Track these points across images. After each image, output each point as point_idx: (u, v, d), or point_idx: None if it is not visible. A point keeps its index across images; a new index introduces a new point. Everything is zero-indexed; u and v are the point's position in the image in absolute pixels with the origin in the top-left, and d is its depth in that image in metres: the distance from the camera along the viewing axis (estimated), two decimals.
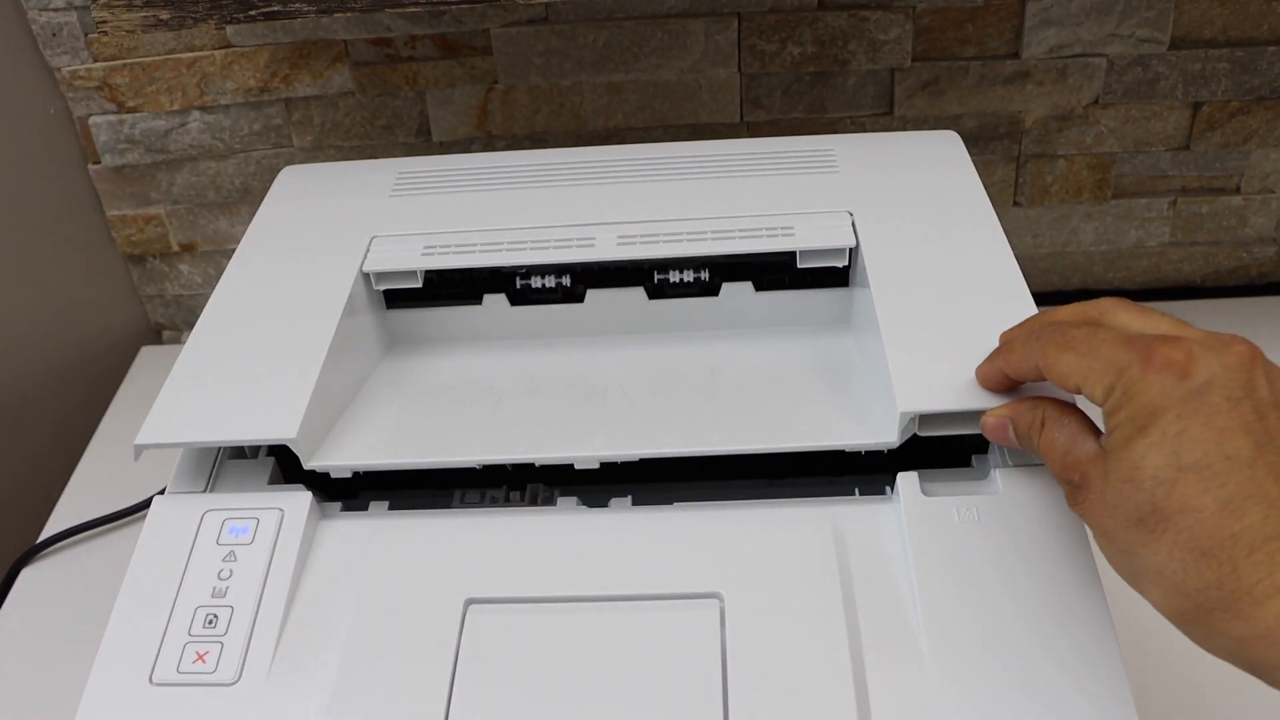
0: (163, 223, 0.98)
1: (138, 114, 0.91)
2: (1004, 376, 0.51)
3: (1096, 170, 0.94)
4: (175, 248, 0.99)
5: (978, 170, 0.69)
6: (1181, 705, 0.69)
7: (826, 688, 0.46)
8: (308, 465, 0.56)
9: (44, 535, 0.86)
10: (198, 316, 0.63)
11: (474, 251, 0.66)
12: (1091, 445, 0.45)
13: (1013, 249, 0.63)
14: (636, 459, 0.56)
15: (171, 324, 1.05)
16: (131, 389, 1.01)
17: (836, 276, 0.66)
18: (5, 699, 0.76)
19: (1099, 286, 1.01)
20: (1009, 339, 0.52)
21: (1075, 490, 0.46)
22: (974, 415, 0.52)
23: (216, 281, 0.66)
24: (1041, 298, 0.57)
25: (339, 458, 0.57)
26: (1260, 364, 0.43)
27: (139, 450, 0.56)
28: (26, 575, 0.85)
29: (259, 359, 0.60)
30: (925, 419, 0.54)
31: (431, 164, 0.74)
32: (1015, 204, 0.96)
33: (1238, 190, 0.95)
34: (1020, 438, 0.50)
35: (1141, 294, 1.01)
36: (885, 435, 0.55)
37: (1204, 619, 0.40)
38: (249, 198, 0.95)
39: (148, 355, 1.05)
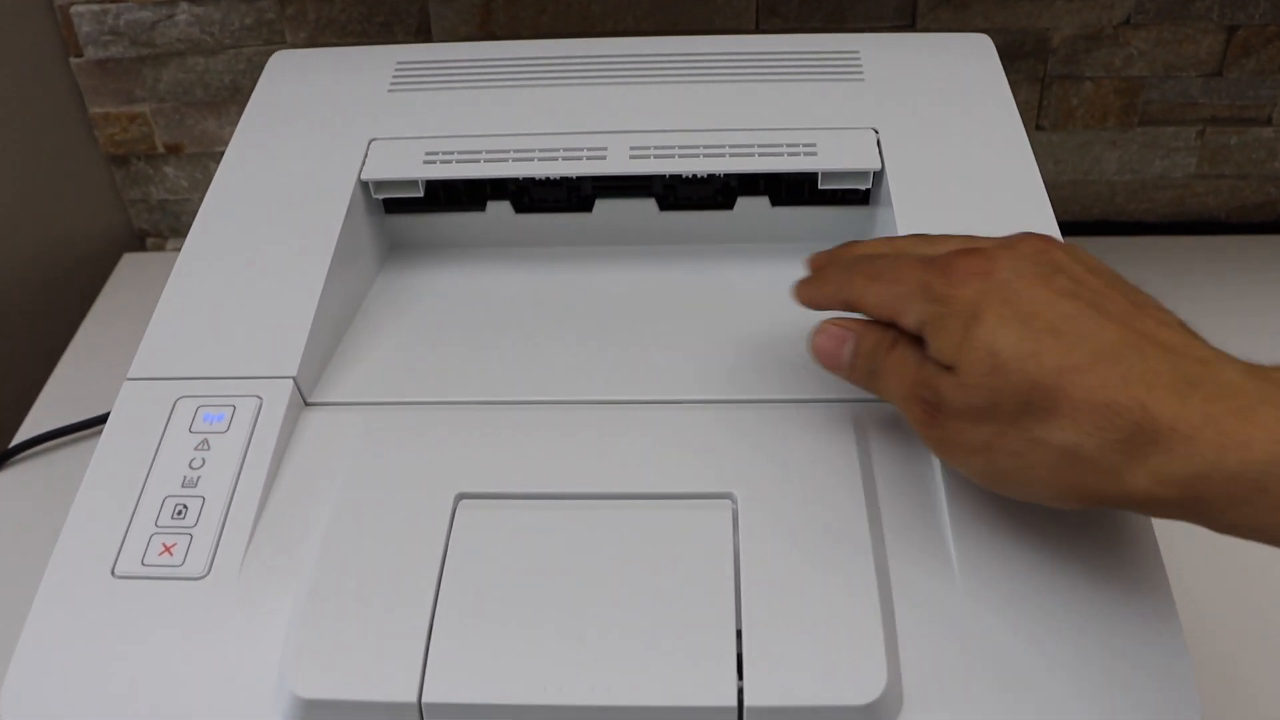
0: (148, 121, 0.93)
1: (122, 3, 0.87)
2: (812, 304, 0.49)
3: (1124, 95, 0.90)
4: (160, 149, 0.95)
5: None
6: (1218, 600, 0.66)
7: (849, 600, 0.43)
8: (310, 400, 0.53)
9: (16, 441, 0.83)
10: (183, 223, 0.60)
11: (478, 160, 0.62)
12: (934, 364, 0.43)
13: None
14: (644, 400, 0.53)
15: (155, 230, 1.01)
16: (112, 296, 0.97)
17: (858, 195, 0.63)
18: None
19: (1120, 218, 0.98)
20: (818, 267, 0.50)
21: (931, 410, 0.42)
22: None
23: (203, 186, 0.62)
24: (1063, 227, 0.54)
25: (342, 394, 0.54)
26: (1056, 245, 0.44)
27: (131, 389, 0.53)
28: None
29: (254, 281, 0.57)
30: None
31: (432, 52, 0.70)
32: (1038, 128, 0.92)
33: (1269, 121, 0.92)
34: (861, 356, 0.46)
35: (1164, 227, 0.98)
36: None
37: (1140, 468, 0.38)
38: (239, 97, 0.91)
39: (130, 262, 1.00)
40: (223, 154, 0.64)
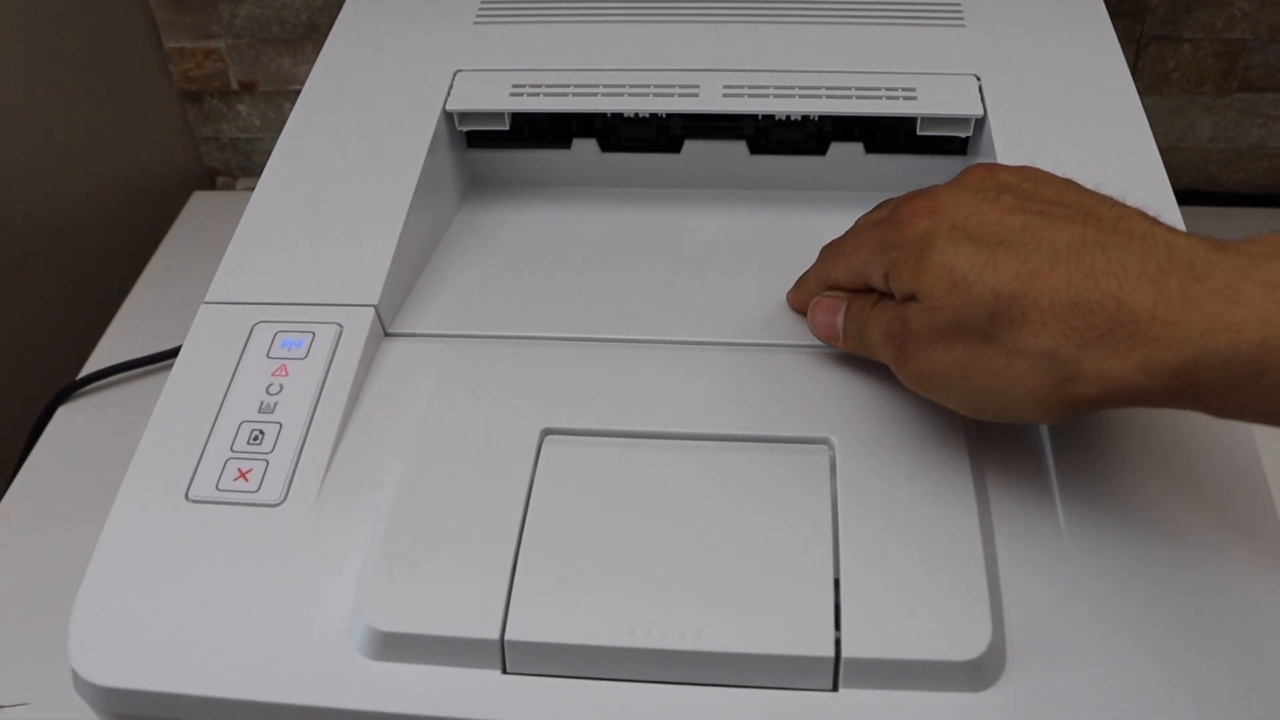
0: (222, 58, 0.92)
1: None
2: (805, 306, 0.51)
3: (1223, 58, 0.87)
4: (235, 86, 0.94)
5: None
6: None
7: (952, 551, 0.41)
8: (390, 330, 0.52)
9: (83, 373, 0.83)
10: (254, 162, 0.58)
11: (566, 94, 0.61)
12: (901, 302, 0.43)
13: None
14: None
15: (226, 169, 1.00)
16: (181, 233, 0.97)
17: (956, 145, 0.61)
18: (32, 535, 0.74)
19: (1211, 188, 0.95)
20: (804, 277, 0.52)
21: (901, 343, 0.42)
22: None
23: (276, 125, 0.61)
24: None
25: (422, 325, 0.52)
26: (1001, 169, 0.43)
27: (209, 313, 0.52)
28: (63, 413, 0.82)
29: (336, 207, 0.55)
30: None
31: None
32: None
33: None
34: (850, 321, 0.47)
35: (1258, 199, 0.94)
36: None
37: (1125, 362, 0.36)
38: (315, 35, 0.90)
39: (200, 200, 1.00)
40: (297, 93, 0.63)
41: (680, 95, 0.60)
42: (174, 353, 0.81)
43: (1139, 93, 0.89)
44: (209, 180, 1.01)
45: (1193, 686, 0.39)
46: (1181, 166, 0.94)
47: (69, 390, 0.82)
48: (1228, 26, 0.86)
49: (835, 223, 0.59)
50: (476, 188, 0.64)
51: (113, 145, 0.96)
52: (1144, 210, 0.40)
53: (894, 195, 0.60)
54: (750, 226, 0.60)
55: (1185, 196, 0.94)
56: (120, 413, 0.81)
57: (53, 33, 0.89)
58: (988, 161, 0.44)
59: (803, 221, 0.60)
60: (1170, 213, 0.54)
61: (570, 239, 0.59)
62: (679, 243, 0.58)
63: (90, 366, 0.84)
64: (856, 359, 0.48)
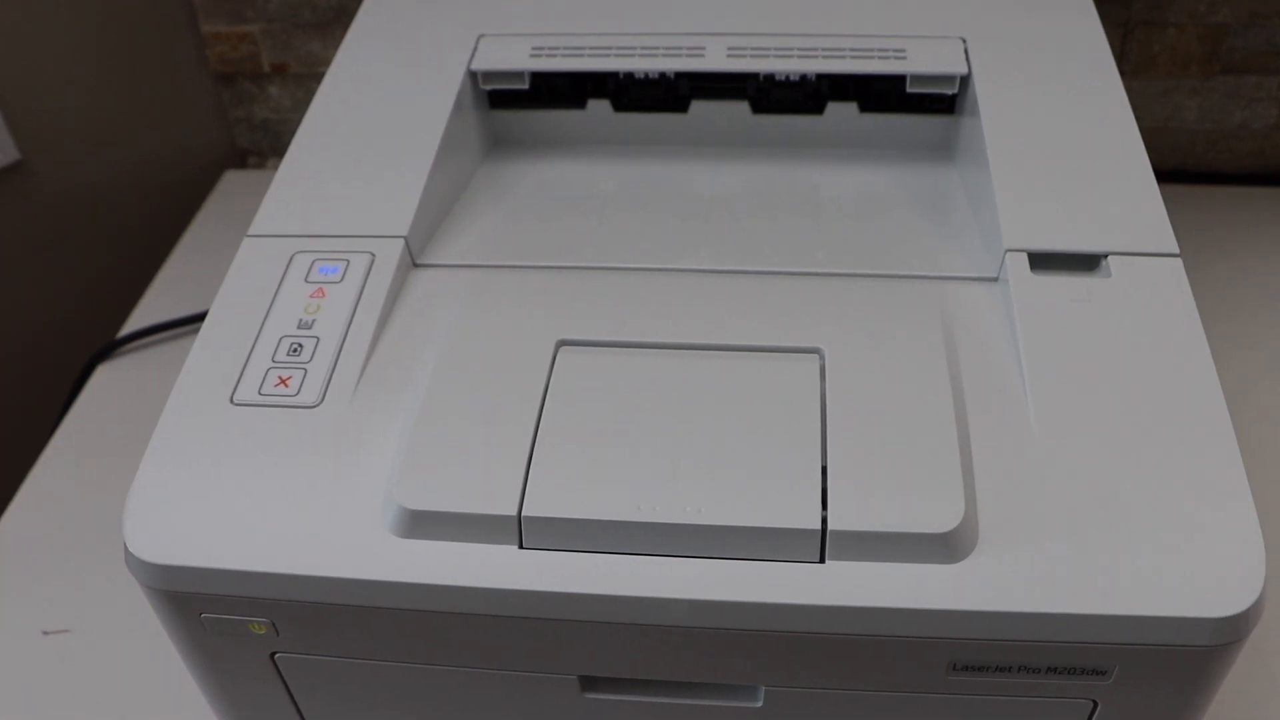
0: (255, 41, 0.97)
1: None
2: None
3: (1207, 42, 0.91)
4: (266, 69, 0.99)
5: None
6: None
7: (929, 442, 0.45)
8: (418, 261, 0.56)
9: (121, 334, 0.87)
10: (283, 143, 0.63)
11: (582, 55, 0.65)
12: None
13: None
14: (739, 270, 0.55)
15: (257, 149, 1.05)
16: (213, 210, 1.02)
17: (944, 104, 0.65)
18: (67, 489, 0.78)
19: (1198, 168, 0.99)
20: None
21: None
22: (1082, 257, 0.52)
23: (305, 106, 0.65)
24: None
25: (447, 257, 0.57)
26: None
27: (251, 244, 0.56)
28: (102, 370, 0.86)
29: (368, 154, 0.60)
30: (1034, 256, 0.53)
31: None
32: (1119, 73, 0.93)
33: None
34: None
35: (1243, 178, 0.98)
36: (988, 269, 0.54)
37: None
38: (344, 18, 0.94)
39: (231, 179, 1.05)
40: (324, 75, 0.67)
41: (688, 56, 0.64)
42: (206, 316, 0.87)
43: (1126, 75, 0.93)
44: (240, 160, 1.06)
45: (1149, 567, 0.42)
46: (1169, 147, 0.98)
47: (108, 349, 0.86)
48: (1210, 11, 0.90)
49: (831, 178, 0.64)
50: (499, 146, 0.68)
51: (150, 125, 1.00)
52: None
53: (886, 153, 0.65)
54: (752, 179, 0.64)
55: (1173, 176, 0.99)
56: (155, 370, 0.86)
57: (96, 18, 0.94)
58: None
59: (801, 175, 0.64)
60: (1139, 160, 0.57)
61: (585, 188, 0.63)
62: (685, 192, 0.62)
63: (127, 330, 0.88)
64: (848, 284, 0.52)
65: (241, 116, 1.02)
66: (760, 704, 0.47)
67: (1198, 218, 0.95)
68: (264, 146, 1.04)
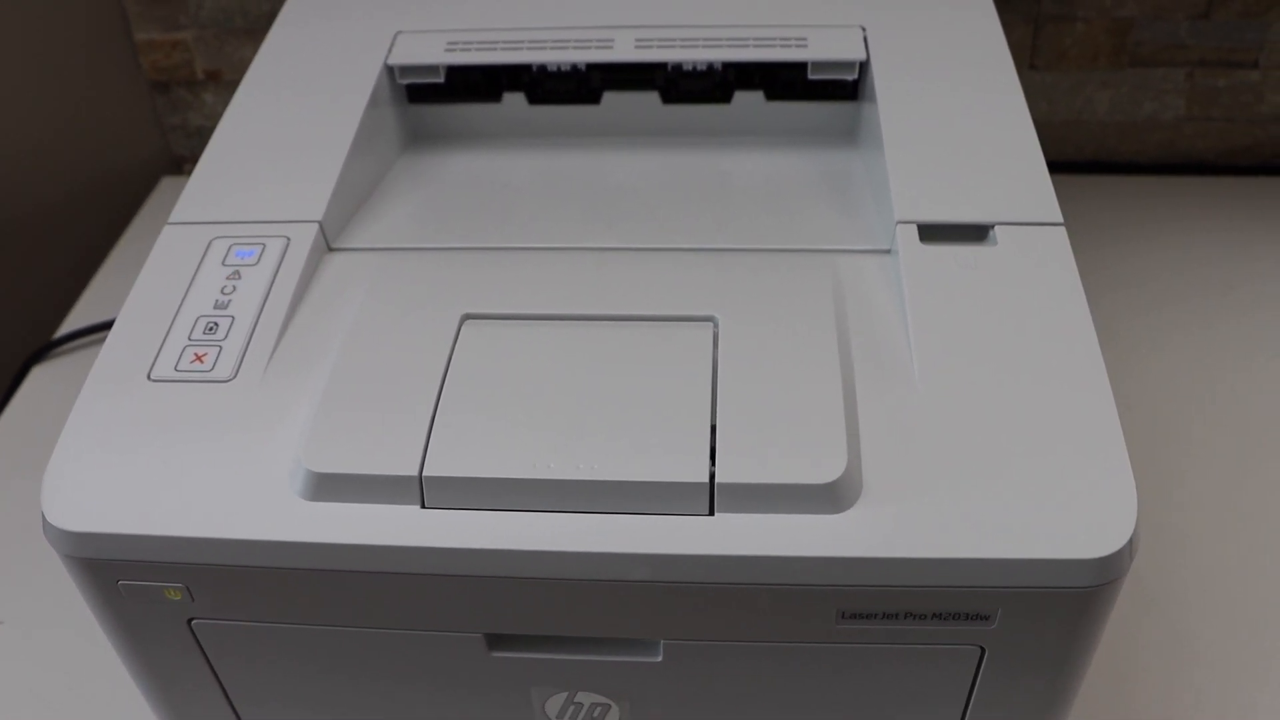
0: (189, 49, 0.99)
1: None
2: None
3: (1114, 35, 0.95)
4: (200, 76, 1.00)
5: None
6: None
7: (816, 401, 0.47)
8: (333, 245, 0.58)
9: (57, 335, 0.89)
10: None
11: (495, 49, 0.67)
12: None
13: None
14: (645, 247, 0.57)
15: (192, 156, 1.06)
16: (150, 216, 1.03)
17: (846, 90, 0.68)
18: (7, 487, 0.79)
19: (1112, 159, 1.02)
20: None
21: None
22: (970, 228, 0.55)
23: None
24: (1053, 168, 0.58)
25: (362, 241, 0.58)
26: None
27: (171, 231, 0.58)
28: (37, 372, 0.87)
29: (286, 145, 0.62)
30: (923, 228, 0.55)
31: None
32: (1031, 67, 0.96)
33: (1256, 65, 0.96)
34: None
35: (1155, 168, 1.02)
36: (881, 242, 0.56)
37: None
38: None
39: (167, 186, 1.06)
40: None
41: (597, 47, 0.67)
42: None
43: (1040, 69, 0.96)
44: (176, 166, 1.07)
45: (1027, 513, 0.45)
46: (1083, 139, 1.01)
47: (43, 350, 0.87)
48: (1116, 5, 0.93)
49: (738, 164, 0.66)
50: (418, 140, 0.70)
51: (86, 133, 1.02)
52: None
53: (793, 139, 0.67)
54: (662, 167, 0.66)
55: (1087, 167, 1.02)
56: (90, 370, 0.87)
57: (31, 26, 0.95)
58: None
59: (710, 162, 0.66)
60: (1027, 137, 0.59)
61: (500, 178, 0.65)
62: (597, 181, 0.64)
63: (63, 332, 0.90)
64: (743, 258, 0.55)
65: (177, 123, 1.04)
66: (660, 659, 0.49)
67: (1114, 209, 0.98)
68: (199, 153, 1.05)
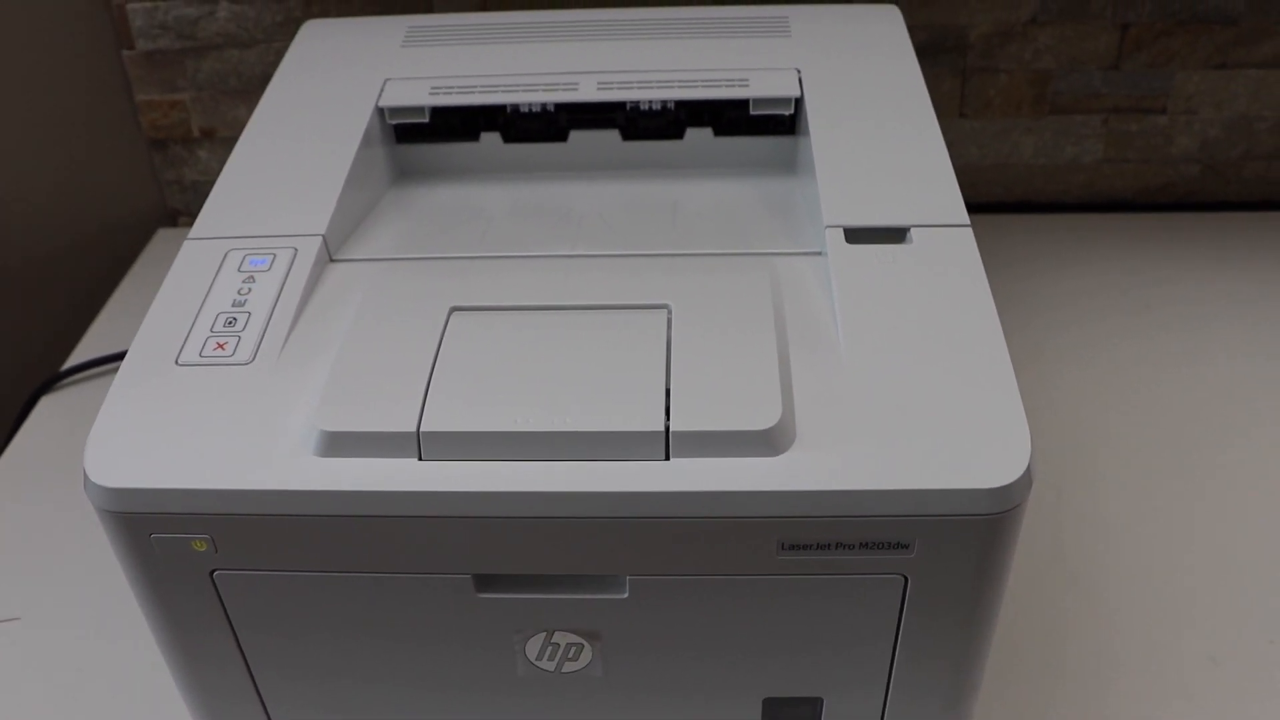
0: (186, 108, 1.07)
1: (171, 1, 1.01)
2: None
3: (1035, 85, 1.04)
4: (196, 134, 1.09)
5: (928, 82, 0.78)
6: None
7: (754, 365, 0.55)
8: (334, 257, 0.65)
9: (65, 367, 0.96)
10: None
11: (474, 92, 0.76)
12: None
13: (958, 159, 0.73)
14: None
15: (187, 209, 1.14)
16: (146, 266, 1.11)
17: (784, 125, 0.76)
18: (15, 495, 0.86)
19: (1039, 199, 1.11)
20: None
21: None
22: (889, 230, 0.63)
23: None
24: (985, 208, 0.67)
25: (359, 254, 0.66)
26: None
27: (191, 245, 0.65)
28: (45, 402, 0.94)
29: (290, 173, 0.70)
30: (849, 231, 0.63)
31: (438, 20, 0.84)
32: (961, 115, 1.06)
33: (1164, 111, 1.05)
34: None
35: (1078, 206, 1.11)
36: (813, 246, 0.65)
37: None
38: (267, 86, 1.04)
39: (163, 237, 1.14)
40: None
41: (564, 90, 0.75)
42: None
43: (969, 117, 1.06)
44: (171, 219, 1.15)
45: (936, 452, 0.52)
46: (1012, 181, 1.10)
47: (52, 381, 0.94)
48: (1035, 58, 1.03)
49: (690, 191, 0.75)
50: (404, 176, 0.78)
51: (89, 186, 1.10)
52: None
53: (739, 171, 0.76)
54: (622, 194, 0.74)
55: (1016, 207, 1.11)
56: (96, 398, 0.94)
57: (40, 87, 1.03)
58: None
59: (665, 190, 0.75)
60: (939, 154, 0.68)
61: (478, 205, 0.73)
62: (565, 206, 0.73)
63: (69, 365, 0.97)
64: (693, 260, 0.63)
65: (173, 179, 1.12)
66: (626, 595, 0.56)
67: (1042, 246, 1.07)
68: (194, 207, 1.14)
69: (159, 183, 1.12)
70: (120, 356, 0.94)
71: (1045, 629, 0.75)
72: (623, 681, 0.60)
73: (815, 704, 0.61)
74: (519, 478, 0.52)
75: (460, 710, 0.62)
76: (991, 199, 1.11)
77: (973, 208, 0.64)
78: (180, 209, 1.14)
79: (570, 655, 0.59)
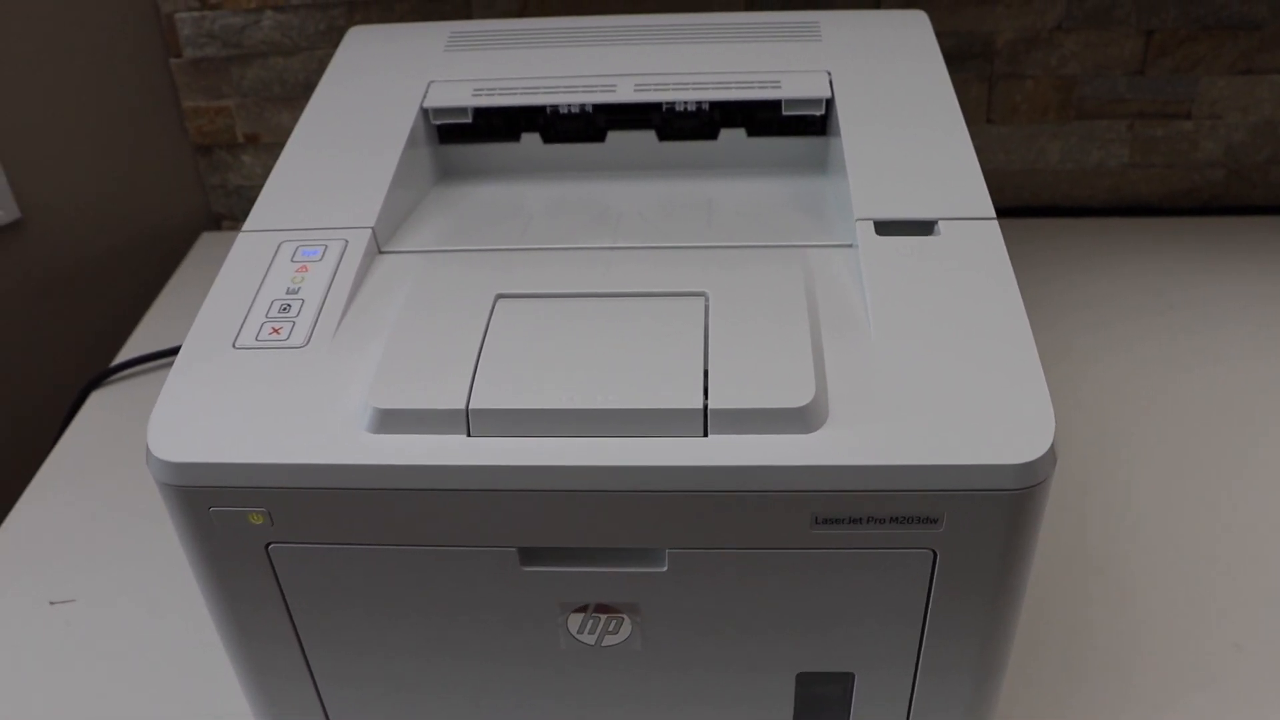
0: (231, 115, 1.10)
1: (218, 11, 1.04)
2: None
3: (1060, 91, 1.06)
4: (240, 139, 1.12)
5: (955, 88, 0.81)
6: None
7: (789, 347, 0.57)
8: (383, 249, 0.68)
9: (114, 363, 0.99)
10: None
11: (515, 94, 0.78)
12: None
13: (986, 165, 0.75)
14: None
15: (230, 214, 1.17)
16: (190, 269, 1.14)
17: (815, 126, 0.79)
18: (69, 485, 0.89)
19: (1066, 204, 1.13)
20: None
21: None
22: (918, 223, 0.65)
23: None
24: (1013, 212, 0.68)
25: (408, 246, 0.69)
26: None
27: (245, 238, 0.68)
28: (95, 397, 0.97)
29: (340, 168, 0.72)
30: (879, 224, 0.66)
31: (480, 25, 0.87)
32: (988, 121, 1.08)
33: (1189, 116, 1.07)
34: None
35: (1104, 211, 1.13)
36: (844, 238, 0.67)
37: None
38: (310, 93, 1.08)
39: (207, 241, 1.17)
40: None
41: (602, 91, 0.78)
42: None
43: (996, 123, 1.08)
44: (215, 223, 1.18)
45: (964, 430, 0.54)
46: (1039, 186, 1.12)
47: (102, 376, 0.97)
48: (1060, 64, 1.05)
49: (724, 190, 0.77)
50: (447, 176, 0.81)
51: (137, 190, 1.13)
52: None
53: (772, 170, 0.78)
54: (659, 193, 0.77)
55: (1043, 211, 1.13)
56: (145, 391, 0.97)
57: (92, 93, 1.07)
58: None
59: (700, 189, 0.77)
60: (966, 150, 0.70)
61: (520, 202, 0.76)
62: (603, 204, 0.75)
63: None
64: (729, 252, 0.65)
65: (217, 183, 1.15)
66: (665, 568, 0.58)
67: (1068, 250, 1.09)
68: (237, 211, 1.17)
69: (204, 187, 1.15)
70: (166, 353, 0.98)
71: (1071, 616, 0.77)
72: (661, 655, 0.62)
73: (847, 680, 0.63)
74: (563, 453, 0.55)
75: (504, 684, 0.65)
76: (1019, 204, 1.12)
77: (1000, 212, 0.66)
78: (224, 213, 1.17)
79: (611, 629, 0.61)
